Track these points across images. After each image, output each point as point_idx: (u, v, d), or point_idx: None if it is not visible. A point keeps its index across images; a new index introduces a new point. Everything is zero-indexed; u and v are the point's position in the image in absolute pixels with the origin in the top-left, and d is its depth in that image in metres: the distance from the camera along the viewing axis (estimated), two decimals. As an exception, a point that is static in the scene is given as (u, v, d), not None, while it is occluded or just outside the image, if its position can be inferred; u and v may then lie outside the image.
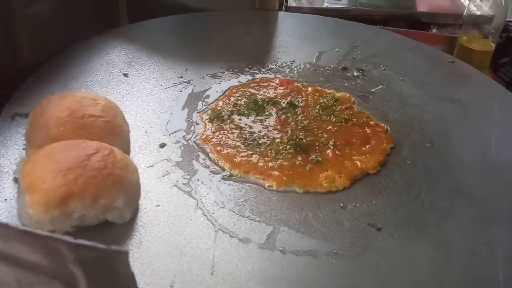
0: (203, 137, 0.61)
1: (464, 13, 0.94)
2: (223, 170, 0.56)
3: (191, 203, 0.51)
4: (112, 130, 0.53)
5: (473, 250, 0.49)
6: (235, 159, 0.58)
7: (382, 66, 0.79)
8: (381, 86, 0.74)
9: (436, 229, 0.51)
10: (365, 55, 0.81)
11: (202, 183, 0.54)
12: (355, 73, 0.77)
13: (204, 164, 0.57)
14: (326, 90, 0.72)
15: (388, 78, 0.76)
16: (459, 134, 0.65)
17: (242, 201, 0.52)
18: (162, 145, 0.59)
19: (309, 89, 0.72)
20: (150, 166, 0.56)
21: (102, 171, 0.45)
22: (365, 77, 0.76)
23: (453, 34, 1.02)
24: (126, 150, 0.56)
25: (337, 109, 0.68)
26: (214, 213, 0.51)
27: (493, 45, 0.94)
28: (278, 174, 0.56)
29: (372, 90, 0.73)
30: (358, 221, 0.51)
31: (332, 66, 0.79)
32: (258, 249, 0.47)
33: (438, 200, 0.55)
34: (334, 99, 0.69)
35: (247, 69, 0.76)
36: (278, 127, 0.64)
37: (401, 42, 0.86)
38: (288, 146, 0.60)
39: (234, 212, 0.51)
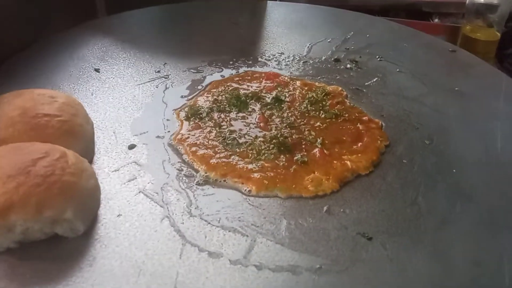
0: (177, 137, 0.56)
1: (467, 2, 0.91)
2: (198, 173, 0.51)
3: (157, 212, 0.46)
4: (70, 130, 0.48)
5: (476, 261, 0.44)
6: (211, 161, 0.53)
7: (377, 57, 0.74)
8: (376, 78, 0.70)
9: (434, 237, 0.46)
10: (359, 46, 0.77)
11: (173, 188, 0.49)
12: (348, 65, 0.73)
13: (176, 167, 0.52)
14: (316, 83, 0.68)
15: (383, 70, 0.71)
16: (461, 130, 0.60)
17: (217, 209, 0.47)
18: (131, 147, 0.54)
19: (298, 83, 0.67)
20: (115, 170, 0.51)
21: (47, 178, 0.39)
22: (359, 69, 0.72)
23: (456, 24, 0.98)
24: (88, 152, 0.51)
25: (327, 104, 0.63)
26: (183, 223, 0.45)
27: (498, 34, 0.91)
28: (258, 177, 0.51)
29: (366, 83, 0.69)
30: (346, 230, 0.46)
31: (323, 57, 0.74)
32: (230, 265, 0.42)
33: (437, 204, 0.50)
34: (324, 93, 0.64)
35: (231, 63, 0.72)
36: (261, 124, 0.59)
37: (398, 30, 0.82)
38: (271, 146, 0.55)
39: (206, 221, 0.46)
